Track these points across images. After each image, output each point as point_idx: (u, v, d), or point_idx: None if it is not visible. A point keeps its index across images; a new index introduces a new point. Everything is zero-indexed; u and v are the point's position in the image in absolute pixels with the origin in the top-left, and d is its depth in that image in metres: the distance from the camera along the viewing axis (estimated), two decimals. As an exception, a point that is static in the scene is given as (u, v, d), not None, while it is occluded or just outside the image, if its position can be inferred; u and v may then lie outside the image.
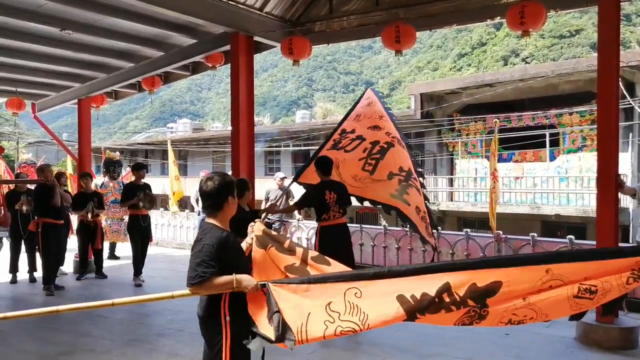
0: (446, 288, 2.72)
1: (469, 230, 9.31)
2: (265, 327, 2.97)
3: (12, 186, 9.99)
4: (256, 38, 8.41)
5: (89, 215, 9.40)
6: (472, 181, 21.70)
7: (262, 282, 3.06)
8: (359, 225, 10.38)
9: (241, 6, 7.91)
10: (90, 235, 9.60)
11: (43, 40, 8.74)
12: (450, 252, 9.14)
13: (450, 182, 22.41)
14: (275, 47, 8.75)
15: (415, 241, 9.23)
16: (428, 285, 2.74)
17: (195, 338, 5.88)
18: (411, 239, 9.37)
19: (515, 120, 20.39)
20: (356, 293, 2.84)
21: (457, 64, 64.95)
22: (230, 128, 9.19)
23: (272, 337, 2.88)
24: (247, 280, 3.08)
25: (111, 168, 12.10)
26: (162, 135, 42.99)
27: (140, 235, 9.18)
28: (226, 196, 3.25)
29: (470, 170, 21.85)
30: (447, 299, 2.72)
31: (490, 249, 8.78)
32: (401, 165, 6.55)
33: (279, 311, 2.90)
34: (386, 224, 10.36)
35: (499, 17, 7.09)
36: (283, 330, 2.86)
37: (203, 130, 37.70)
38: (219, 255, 3.08)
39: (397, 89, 73.53)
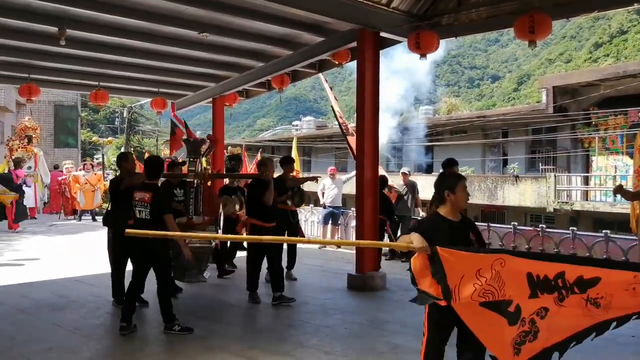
0: (561, 275, 3.32)
1: (608, 231, 8.68)
2: (428, 285, 3.46)
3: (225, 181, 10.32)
4: (382, 34, 8.41)
5: (237, 208, 9.56)
6: (610, 179, 20.28)
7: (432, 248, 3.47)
8: (486, 224, 9.98)
9: (368, 2, 7.94)
10: (233, 229, 9.39)
11: (182, 43, 9.36)
12: (587, 254, 8.57)
13: (586, 181, 21.09)
14: (401, 42, 8.69)
15: (549, 242, 8.81)
16: (549, 270, 3.34)
17: (320, 329, 6.06)
18: (543, 239, 8.93)
19: (662, 114, 18.85)
20: (501, 263, 3.37)
21: (592, 54, 60.90)
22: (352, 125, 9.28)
23: (435, 294, 3.42)
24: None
25: (233, 162, 12.61)
26: (287, 132, 44.34)
27: (289, 231, 8.54)
28: (445, 188, 4.05)
29: (609, 168, 20.44)
30: (560, 284, 3.32)
31: (635, 252, 8.11)
32: None
33: (444, 272, 3.38)
34: (516, 224, 9.93)
35: (648, 1, 6.56)
36: (445, 289, 3.36)
37: (326, 128, 38.37)
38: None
39: (525, 83, 70.49)
